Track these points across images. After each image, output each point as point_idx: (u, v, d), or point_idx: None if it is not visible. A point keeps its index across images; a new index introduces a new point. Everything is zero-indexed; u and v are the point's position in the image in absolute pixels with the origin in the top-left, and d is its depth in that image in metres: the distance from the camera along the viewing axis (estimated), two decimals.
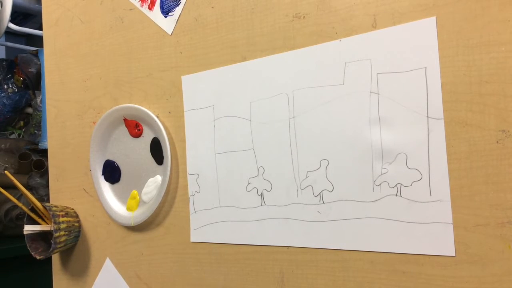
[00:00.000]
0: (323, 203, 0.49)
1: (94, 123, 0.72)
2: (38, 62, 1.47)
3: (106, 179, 0.69)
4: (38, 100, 1.47)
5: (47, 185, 1.21)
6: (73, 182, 0.74)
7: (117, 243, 0.68)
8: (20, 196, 1.12)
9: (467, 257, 0.41)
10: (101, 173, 0.69)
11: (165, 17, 0.63)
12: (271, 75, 0.53)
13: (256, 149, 0.54)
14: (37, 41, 1.82)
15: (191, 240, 0.60)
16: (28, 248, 0.70)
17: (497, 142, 0.40)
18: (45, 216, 0.72)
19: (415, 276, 0.44)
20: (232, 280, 0.56)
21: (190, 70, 0.60)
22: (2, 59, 1.60)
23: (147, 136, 0.65)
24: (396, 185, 0.44)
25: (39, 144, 1.37)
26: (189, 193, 0.60)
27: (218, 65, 0.58)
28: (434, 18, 0.42)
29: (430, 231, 0.42)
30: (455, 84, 0.41)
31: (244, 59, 0.55)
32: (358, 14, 0.47)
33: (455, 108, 0.41)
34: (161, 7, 0.63)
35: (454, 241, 0.41)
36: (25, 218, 0.72)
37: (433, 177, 0.42)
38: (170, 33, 0.62)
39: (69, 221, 0.71)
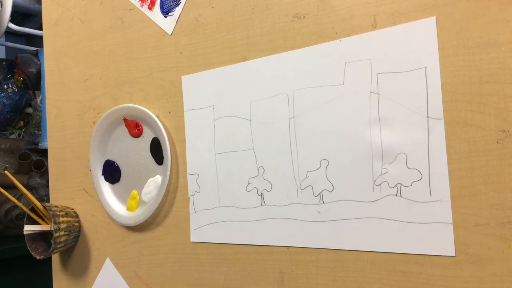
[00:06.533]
0: (323, 203, 0.49)
1: (94, 123, 0.72)
2: (38, 62, 1.47)
3: (106, 179, 0.69)
4: (38, 100, 1.47)
5: (47, 185, 1.21)
6: (73, 182, 0.74)
7: (117, 243, 0.68)
8: (20, 196, 1.12)
9: (467, 257, 0.41)
10: (101, 173, 0.69)
11: (165, 17, 0.63)
12: (271, 75, 0.53)
13: (256, 149, 0.54)
14: (37, 41, 1.82)
15: (191, 240, 0.60)
16: (28, 248, 0.70)
17: (497, 142, 0.40)
18: (45, 216, 0.72)
19: (415, 276, 0.44)
20: (232, 280, 0.56)
21: (190, 70, 0.60)
22: (2, 59, 1.60)
23: (147, 136, 0.65)
24: (396, 185, 0.44)
25: (39, 144, 1.37)
26: (189, 193, 0.60)
27: (218, 65, 0.58)
28: (434, 18, 0.42)
29: (430, 231, 0.42)
30: (455, 84, 0.41)
31: (244, 59, 0.55)
32: (358, 14, 0.47)
33: (455, 108, 0.41)
34: (161, 7, 0.63)
35: (454, 241, 0.41)
36: (25, 218, 0.72)
37: (433, 177, 0.42)
38: (170, 33, 0.62)
39: (69, 221, 0.71)
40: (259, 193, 0.54)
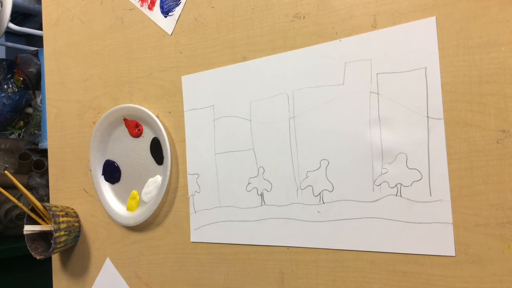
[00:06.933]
0: (323, 203, 0.49)
1: (94, 123, 0.72)
2: (38, 62, 1.47)
3: (106, 179, 0.69)
4: (38, 100, 1.47)
5: (47, 185, 1.21)
6: (73, 182, 0.74)
7: (117, 243, 0.68)
8: (20, 196, 1.12)
9: (467, 257, 0.41)
10: (101, 173, 0.69)
11: (165, 17, 0.63)
12: (271, 75, 0.53)
13: (256, 149, 0.54)
14: (37, 41, 1.82)
15: (191, 240, 0.60)
16: (28, 248, 0.70)
17: (497, 142, 0.40)
18: (45, 216, 0.72)
19: (415, 276, 0.44)
20: (232, 280, 0.56)
21: (190, 70, 0.60)
22: (2, 59, 1.60)
23: (147, 136, 0.65)
24: (396, 185, 0.44)
25: (39, 144, 1.37)
26: (189, 193, 0.60)
27: (218, 65, 0.58)
28: (434, 18, 0.42)
29: (430, 231, 0.42)
30: (455, 84, 0.41)
31: (244, 59, 0.55)
32: (358, 14, 0.47)
33: (455, 108, 0.41)
34: (161, 7, 0.63)
35: (454, 241, 0.41)
36: (25, 218, 0.72)
37: (433, 177, 0.42)
38: (170, 33, 0.62)
39: (69, 221, 0.71)
40: (259, 193, 0.54)
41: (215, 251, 0.58)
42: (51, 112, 0.78)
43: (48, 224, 0.71)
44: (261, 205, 0.53)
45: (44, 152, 1.36)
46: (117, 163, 0.68)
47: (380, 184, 0.45)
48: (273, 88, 0.53)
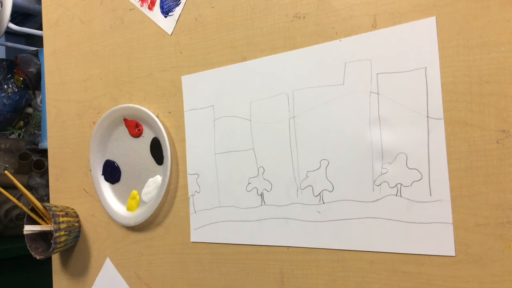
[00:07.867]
0: (323, 203, 0.49)
1: (94, 123, 0.72)
2: (38, 62, 1.47)
3: (106, 179, 0.69)
4: (38, 100, 1.47)
5: (47, 185, 1.21)
6: (73, 182, 0.74)
7: (117, 243, 0.68)
8: (20, 196, 1.12)
9: (467, 257, 0.41)
10: (101, 173, 0.69)
11: (165, 17, 0.63)
12: (271, 75, 0.53)
13: (256, 149, 0.54)
14: (37, 41, 1.82)
15: (191, 240, 0.60)
16: (28, 248, 0.70)
17: (497, 142, 0.40)
18: (45, 216, 0.72)
19: (415, 276, 0.44)
20: (232, 280, 0.56)
21: (190, 70, 0.60)
22: (2, 59, 1.60)
23: (147, 136, 0.65)
24: (396, 185, 0.44)
25: (39, 144, 1.37)
26: (189, 193, 0.60)
27: (218, 65, 0.58)
28: (434, 18, 0.42)
29: (430, 231, 0.42)
30: (455, 84, 0.41)
31: (244, 59, 0.55)
32: (358, 14, 0.47)
33: (455, 108, 0.41)
34: (161, 7, 0.63)
35: (454, 241, 0.41)
36: (25, 218, 0.72)
37: (433, 177, 0.42)
38: (170, 33, 0.62)
39: (69, 221, 0.71)
40: (259, 193, 0.54)
41: (215, 251, 0.58)
42: (51, 112, 0.78)
43: (48, 224, 0.71)
44: (261, 205, 0.53)
45: (44, 152, 1.36)
46: (117, 163, 0.68)
47: (380, 184, 0.45)
48: (273, 88, 0.53)
